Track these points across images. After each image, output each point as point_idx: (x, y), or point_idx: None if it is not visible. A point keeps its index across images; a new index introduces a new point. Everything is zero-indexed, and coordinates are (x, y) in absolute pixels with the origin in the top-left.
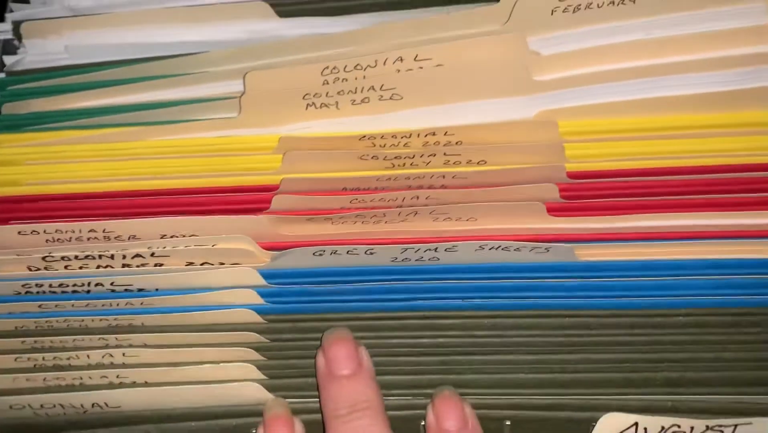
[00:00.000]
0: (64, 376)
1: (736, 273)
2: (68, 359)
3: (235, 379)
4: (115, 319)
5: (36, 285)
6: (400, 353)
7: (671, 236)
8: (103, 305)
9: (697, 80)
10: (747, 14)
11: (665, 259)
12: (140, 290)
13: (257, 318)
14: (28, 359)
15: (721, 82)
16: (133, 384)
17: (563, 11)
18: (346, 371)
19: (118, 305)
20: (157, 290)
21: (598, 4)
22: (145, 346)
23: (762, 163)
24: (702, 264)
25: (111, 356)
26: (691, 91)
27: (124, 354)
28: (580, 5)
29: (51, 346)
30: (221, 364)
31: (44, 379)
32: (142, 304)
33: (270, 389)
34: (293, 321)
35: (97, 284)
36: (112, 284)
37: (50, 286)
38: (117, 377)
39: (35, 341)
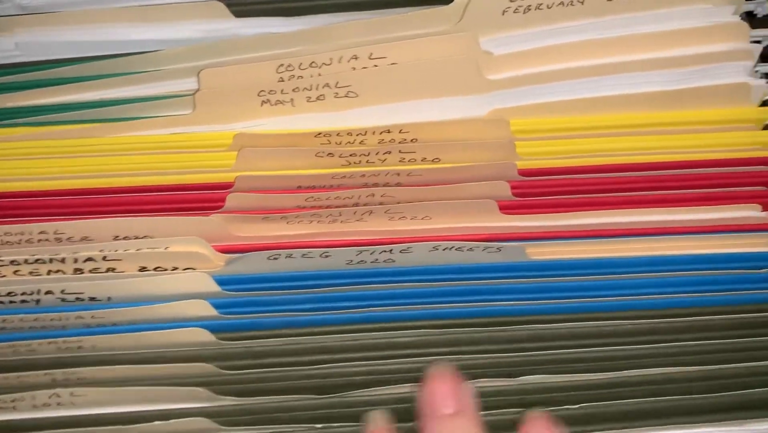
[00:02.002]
0: None
1: (681, 269)
2: (13, 401)
3: None
4: (64, 341)
5: None
6: (357, 373)
7: (619, 232)
8: (51, 319)
9: (644, 79)
10: (692, 15)
11: (612, 256)
12: (92, 298)
13: (210, 337)
14: None
15: (668, 81)
16: None
17: (514, 11)
18: (448, 409)
19: (68, 319)
20: (109, 299)
21: (548, 5)
22: (94, 383)
23: (707, 159)
24: (647, 261)
25: (58, 396)
26: (639, 90)
27: (71, 393)
28: (530, 6)
29: None
30: (171, 421)
31: None
32: (93, 317)
33: None
34: (246, 339)
35: (47, 292)
36: (62, 291)
37: None
38: None
39: None
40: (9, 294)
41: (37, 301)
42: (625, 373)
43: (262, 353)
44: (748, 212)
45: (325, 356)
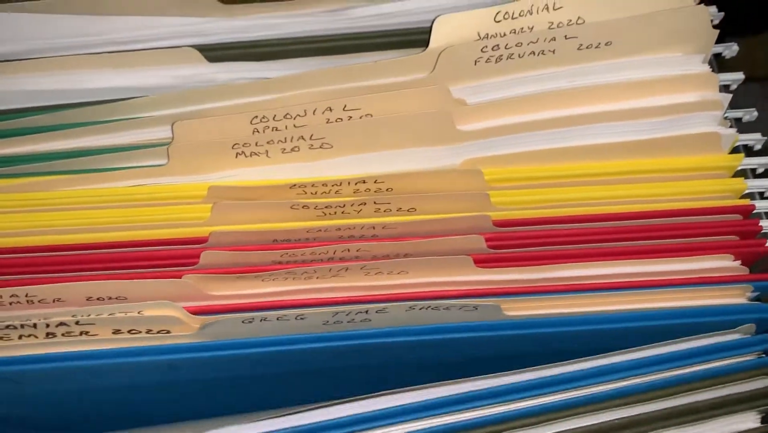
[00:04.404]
0: None
1: (657, 325)
2: None
3: None
4: None
5: None
6: None
7: (593, 286)
8: None
9: (616, 129)
10: (663, 64)
11: (587, 313)
12: None
13: None
14: None
15: (639, 130)
16: None
17: (486, 61)
18: None
19: None
20: None
21: (519, 54)
22: None
23: (680, 208)
24: (623, 317)
25: None
26: (610, 140)
27: None
28: (502, 55)
29: None
30: None
31: None
32: None
33: None
34: None
35: None
36: None
37: None
38: None
39: None
40: None
41: None
42: None
43: None
44: (721, 263)
45: None
